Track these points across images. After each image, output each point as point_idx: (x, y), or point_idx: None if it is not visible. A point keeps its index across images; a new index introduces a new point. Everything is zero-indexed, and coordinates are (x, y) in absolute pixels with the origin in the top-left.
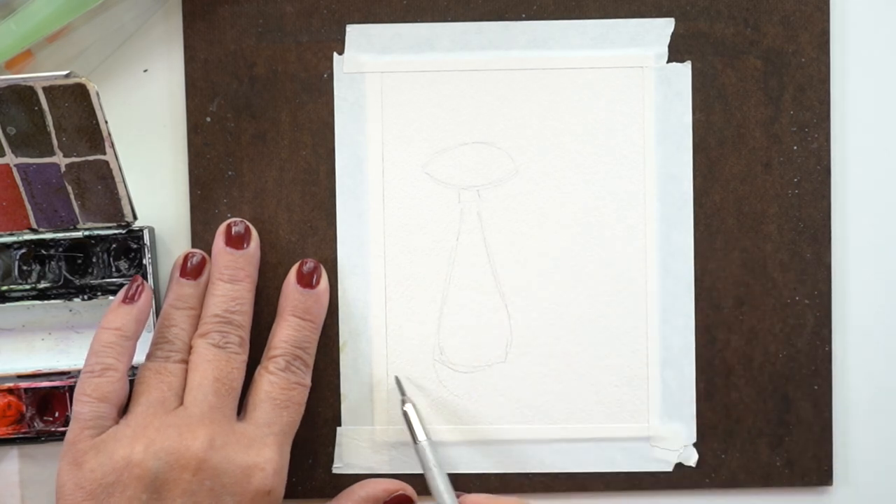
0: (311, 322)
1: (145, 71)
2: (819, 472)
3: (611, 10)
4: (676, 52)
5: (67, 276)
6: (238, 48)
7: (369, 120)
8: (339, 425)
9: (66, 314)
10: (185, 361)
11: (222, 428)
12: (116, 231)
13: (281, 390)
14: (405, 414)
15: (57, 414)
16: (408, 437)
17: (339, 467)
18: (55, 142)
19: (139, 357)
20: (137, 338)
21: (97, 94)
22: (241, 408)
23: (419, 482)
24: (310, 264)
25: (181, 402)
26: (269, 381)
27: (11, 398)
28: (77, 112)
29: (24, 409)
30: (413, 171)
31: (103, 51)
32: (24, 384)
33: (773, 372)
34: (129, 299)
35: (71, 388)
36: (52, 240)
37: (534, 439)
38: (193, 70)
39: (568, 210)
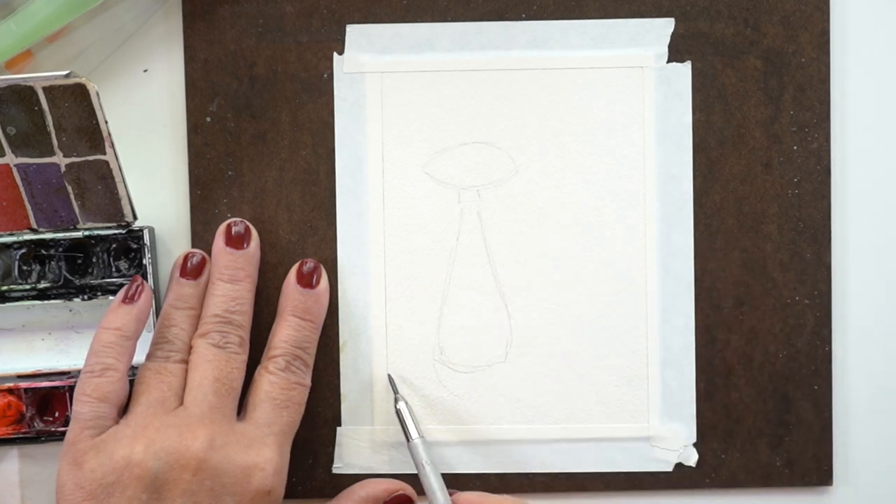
0: (311, 322)
1: (145, 71)
2: (819, 472)
3: (611, 10)
4: (676, 52)
5: (67, 276)
6: (238, 48)
7: (369, 120)
8: (339, 425)
9: (66, 314)
10: (185, 361)
11: (222, 428)
12: (116, 231)
13: (281, 390)
14: (398, 412)
15: (57, 414)
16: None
17: (339, 467)
18: (55, 142)
19: (139, 357)
20: (137, 338)
21: (97, 94)
22: (241, 408)
23: (419, 482)
24: (310, 264)
25: (181, 402)
26: (269, 381)
27: (11, 398)
28: (77, 112)
29: (24, 409)
30: (413, 171)
31: (103, 51)
32: (24, 384)
33: (773, 372)
34: (129, 299)
35: (71, 388)
36: (52, 240)
37: (534, 439)
38: (193, 70)
39: (568, 210)
